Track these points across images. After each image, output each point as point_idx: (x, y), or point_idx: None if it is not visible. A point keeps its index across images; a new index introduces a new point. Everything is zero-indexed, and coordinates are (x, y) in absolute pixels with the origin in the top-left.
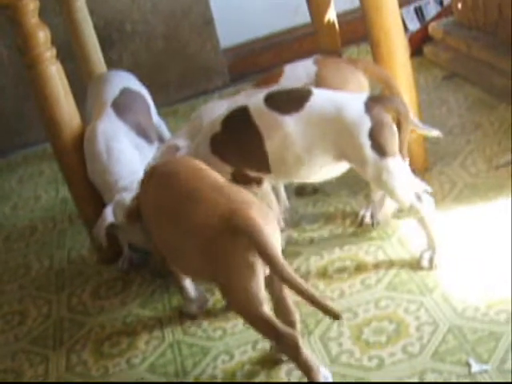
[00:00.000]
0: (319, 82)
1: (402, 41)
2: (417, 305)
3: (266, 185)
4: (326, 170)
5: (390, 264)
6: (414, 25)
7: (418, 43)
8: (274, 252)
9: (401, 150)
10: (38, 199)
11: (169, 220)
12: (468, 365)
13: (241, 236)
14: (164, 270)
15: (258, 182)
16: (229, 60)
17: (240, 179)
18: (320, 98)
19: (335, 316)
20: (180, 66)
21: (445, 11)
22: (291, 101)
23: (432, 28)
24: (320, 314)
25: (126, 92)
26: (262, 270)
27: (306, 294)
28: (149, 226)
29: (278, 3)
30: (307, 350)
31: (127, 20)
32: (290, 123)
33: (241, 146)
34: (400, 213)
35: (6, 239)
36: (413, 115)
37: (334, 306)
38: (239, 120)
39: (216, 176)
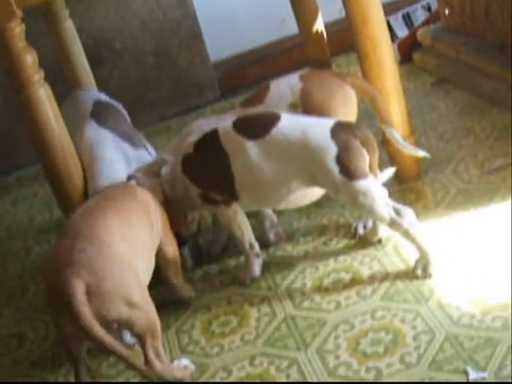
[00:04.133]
0: (304, 98)
1: (389, 50)
2: (413, 314)
3: (235, 206)
4: (297, 196)
5: (385, 274)
6: (403, 32)
7: (407, 50)
8: (87, 325)
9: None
10: (33, 221)
11: None
12: (466, 373)
13: (57, 298)
14: None
15: (227, 203)
16: (219, 74)
17: (207, 201)
18: (287, 123)
19: (150, 379)
20: (171, 82)
21: (433, 17)
22: (258, 126)
23: (420, 34)
24: (316, 327)
25: (99, 104)
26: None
27: (125, 362)
28: None
29: (265, 15)
30: None
31: (116, 38)
32: (256, 148)
33: (209, 169)
34: None
35: (1, 261)
36: (398, 134)
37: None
38: (209, 143)
39: (108, 222)
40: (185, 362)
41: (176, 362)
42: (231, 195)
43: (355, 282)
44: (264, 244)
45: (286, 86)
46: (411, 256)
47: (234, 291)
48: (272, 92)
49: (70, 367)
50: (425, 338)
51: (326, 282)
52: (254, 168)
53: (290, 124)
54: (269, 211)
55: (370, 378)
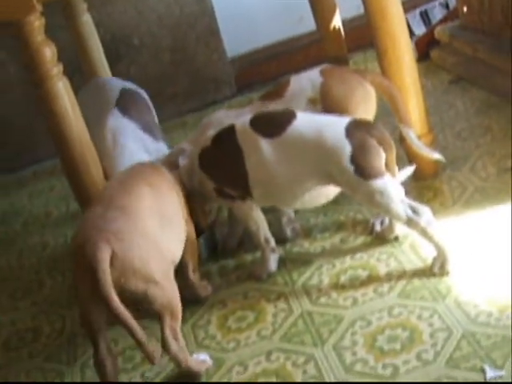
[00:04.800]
0: (324, 93)
1: (408, 47)
2: (430, 311)
3: (250, 201)
4: (312, 195)
5: (402, 271)
6: (420, 29)
7: (425, 47)
8: (105, 291)
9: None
10: (49, 215)
11: None
12: (483, 371)
13: (83, 261)
14: None
15: (242, 197)
16: (235, 70)
17: (223, 195)
18: (302, 121)
19: (151, 360)
20: (188, 78)
21: (451, 15)
22: (274, 124)
23: (438, 32)
24: (333, 324)
25: (126, 92)
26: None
27: (134, 336)
28: None
29: (282, 12)
30: None
31: (134, 33)
32: (271, 146)
33: (224, 165)
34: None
35: (18, 255)
36: (415, 135)
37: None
38: (225, 139)
39: (141, 196)
40: (203, 356)
41: (194, 356)
42: (245, 192)
43: (372, 278)
44: (281, 240)
45: (306, 80)
46: (428, 253)
47: (250, 286)
48: (292, 86)
49: (86, 360)
50: (442, 336)
51: (343, 278)
52: (268, 166)
53: (305, 122)
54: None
55: (387, 374)
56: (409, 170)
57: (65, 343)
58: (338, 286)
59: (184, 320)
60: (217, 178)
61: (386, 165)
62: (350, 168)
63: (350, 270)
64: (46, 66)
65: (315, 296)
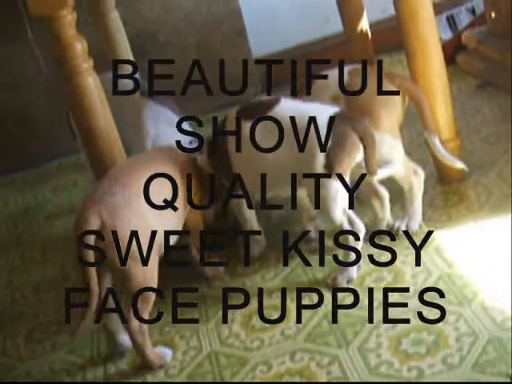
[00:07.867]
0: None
1: (438, 50)
2: (456, 316)
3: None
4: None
5: (428, 274)
6: (446, 34)
7: (451, 52)
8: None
9: (369, 171)
10: (73, 209)
11: None
12: (509, 376)
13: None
14: None
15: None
16: (261, 70)
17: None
18: (285, 106)
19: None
20: (212, 77)
21: (478, 20)
22: (258, 109)
23: (465, 37)
24: (358, 325)
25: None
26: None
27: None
28: None
29: (308, 13)
30: None
31: (160, 30)
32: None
33: (216, 154)
34: (437, 223)
35: (41, 249)
36: (439, 143)
37: None
38: (220, 127)
39: (143, 177)
40: (166, 350)
41: (158, 348)
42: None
43: (397, 281)
44: (306, 239)
45: (332, 78)
46: (454, 257)
47: (274, 285)
48: (319, 82)
49: (109, 355)
50: (467, 340)
51: (368, 280)
52: (248, 149)
53: (288, 108)
54: (306, 203)
55: (412, 377)
56: (389, 169)
57: (88, 337)
58: (362, 287)
59: (208, 318)
60: (214, 164)
61: (366, 162)
62: (321, 159)
63: (374, 272)
64: (76, 61)
65: (340, 297)
